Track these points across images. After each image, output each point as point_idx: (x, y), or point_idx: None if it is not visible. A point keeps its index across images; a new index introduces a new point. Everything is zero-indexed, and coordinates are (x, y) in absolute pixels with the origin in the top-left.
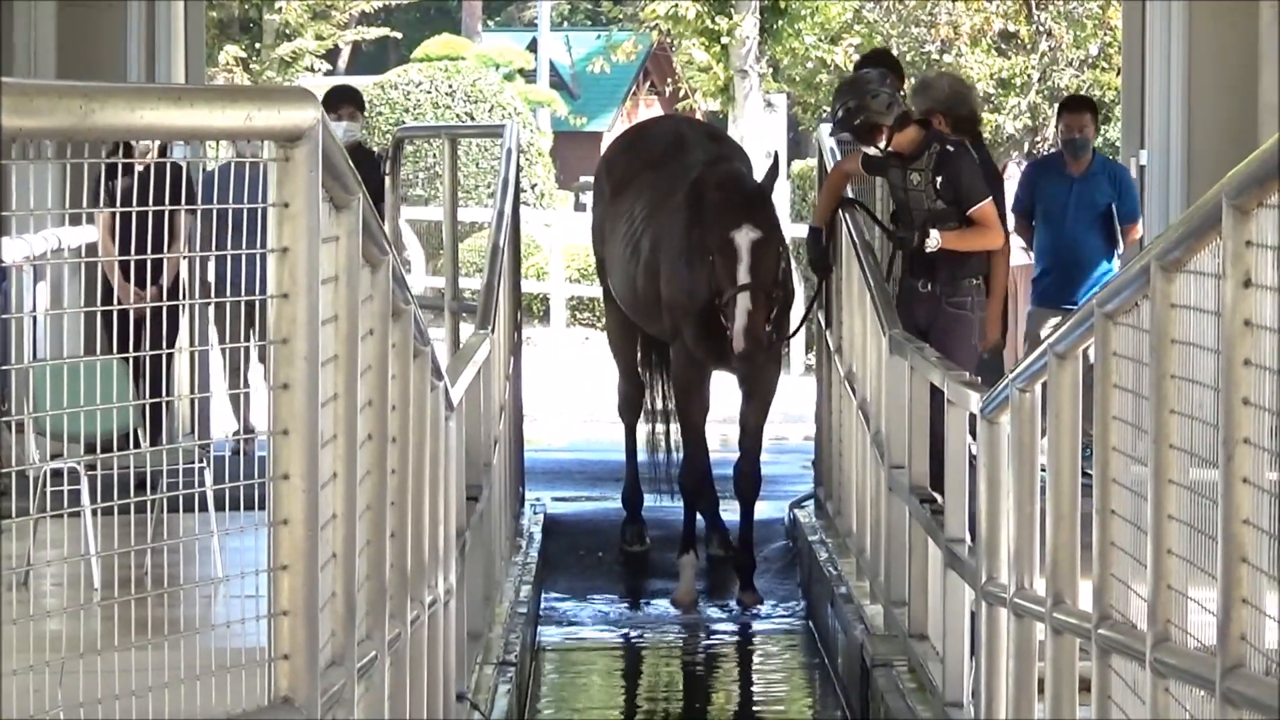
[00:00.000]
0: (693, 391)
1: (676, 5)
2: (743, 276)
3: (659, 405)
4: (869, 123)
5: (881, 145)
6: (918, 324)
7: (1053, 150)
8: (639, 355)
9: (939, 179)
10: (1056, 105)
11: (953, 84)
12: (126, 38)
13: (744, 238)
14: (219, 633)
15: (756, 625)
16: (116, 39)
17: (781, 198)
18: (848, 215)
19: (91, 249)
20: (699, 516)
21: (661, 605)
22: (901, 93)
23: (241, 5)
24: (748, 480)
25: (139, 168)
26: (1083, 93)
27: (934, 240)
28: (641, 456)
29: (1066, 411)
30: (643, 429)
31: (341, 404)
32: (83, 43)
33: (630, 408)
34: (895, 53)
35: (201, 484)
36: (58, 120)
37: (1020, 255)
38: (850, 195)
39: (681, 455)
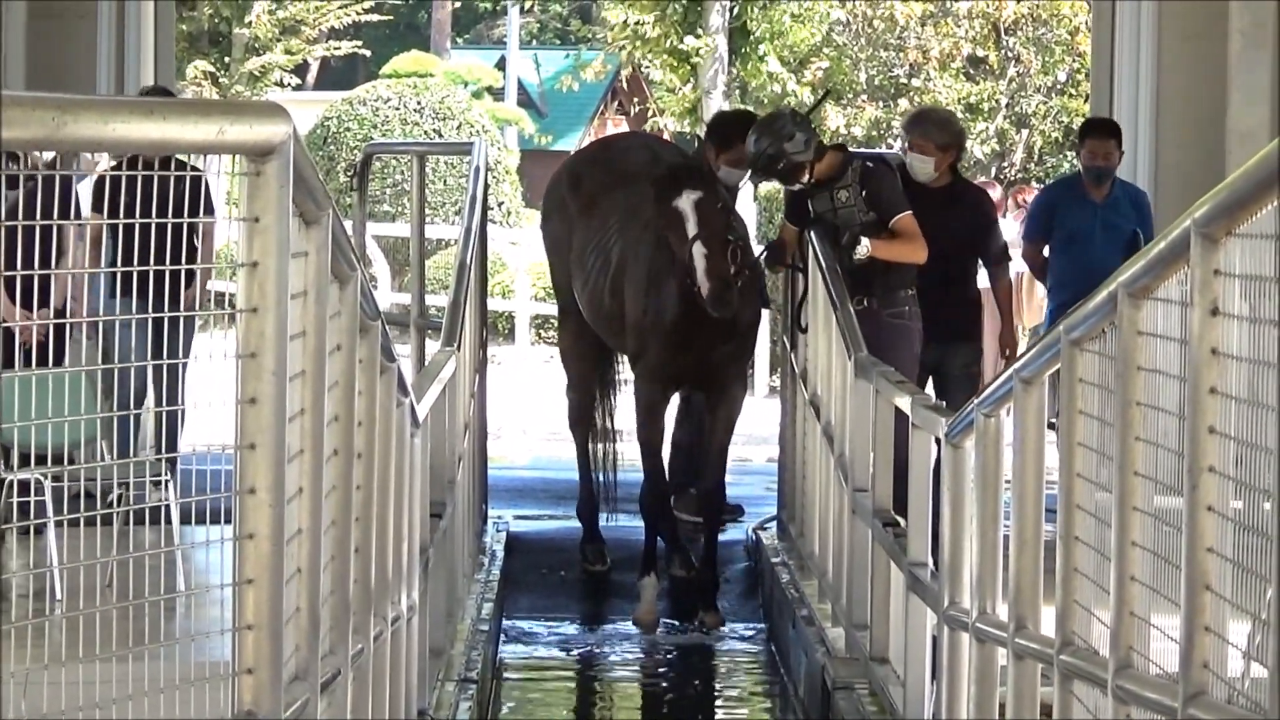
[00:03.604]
0: (656, 411)
1: (639, 23)
2: (692, 230)
3: (606, 424)
4: (792, 164)
5: (805, 180)
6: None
7: (1069, 173)
8: (595, 370)
9: (865, 192)
10: (1079, 127)
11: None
12: (96, 47)
13: (685, 200)
14: (183, 646)
15: (718, 646)
16: (87, 48)
17: (748, 217)
18: (813, 236)
19: None
20: (659, 538)
21: (623, 625)
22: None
23: (211, 19)
24: (711, 500)
25: (26, 185)
26: (1106, 116)
27: (863, 248)
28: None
29: (1031, 437)
30: (591, 448)
31: (308, 419)
32: (52, 51)
33: (582, 418)
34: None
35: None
36: (30, 131)
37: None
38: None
39: (640, 475)
